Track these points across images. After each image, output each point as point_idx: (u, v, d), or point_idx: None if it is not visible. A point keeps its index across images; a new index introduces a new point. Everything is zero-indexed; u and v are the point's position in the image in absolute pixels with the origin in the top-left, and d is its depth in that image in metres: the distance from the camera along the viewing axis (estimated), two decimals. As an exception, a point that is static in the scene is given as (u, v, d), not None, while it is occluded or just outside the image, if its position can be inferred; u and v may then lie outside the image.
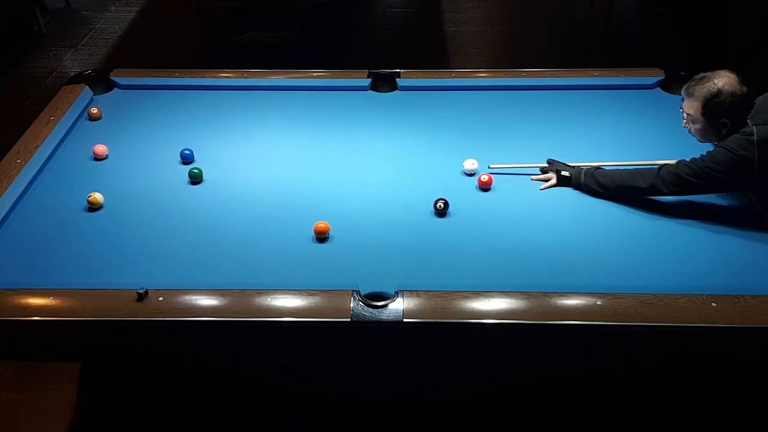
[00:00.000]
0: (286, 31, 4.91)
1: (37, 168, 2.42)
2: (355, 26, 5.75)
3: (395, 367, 2.05)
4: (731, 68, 2.21)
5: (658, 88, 2.95)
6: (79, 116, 2.76)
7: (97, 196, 2.28)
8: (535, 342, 1.92)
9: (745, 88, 2.15)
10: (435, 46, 5.35)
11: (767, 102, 2.17)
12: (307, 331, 1.88)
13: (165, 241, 2.15)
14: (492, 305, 1.87)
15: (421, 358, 2.00)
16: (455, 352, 1.98)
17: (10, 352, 2.13)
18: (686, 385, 2.48)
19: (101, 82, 2.97)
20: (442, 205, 2.25)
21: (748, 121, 2.15)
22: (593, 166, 2.38)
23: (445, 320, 1.84)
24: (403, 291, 1.89)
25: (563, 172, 2.38)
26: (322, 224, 2.15)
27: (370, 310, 1.84)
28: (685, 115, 2.27)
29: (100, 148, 2.55)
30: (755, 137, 2.09)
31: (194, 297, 1.89)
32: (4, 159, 2.44)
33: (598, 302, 1.87)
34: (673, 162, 2.25)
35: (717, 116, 2.17)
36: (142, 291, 1.85)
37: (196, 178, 2.42)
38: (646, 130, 2.69)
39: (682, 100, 2.28)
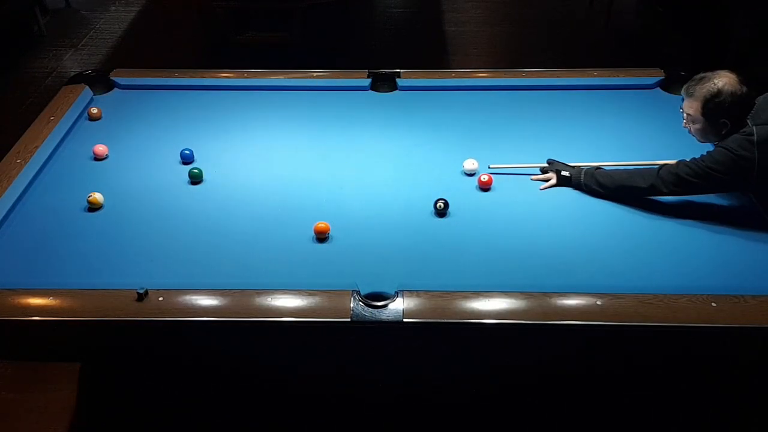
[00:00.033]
0: (286, 31, 4.91)
1: (37, 168, 2.42)
2: (355, 26, 5.75)
3: (395, 367, 2.05)
4: (731, 68, 2.21)
5: (658, 88, 2.95)
6: (79, 116, 2.76)
7: (97, 196, 2.28)
8: (535, 342, 1.92)
9: (745, 88, 2.15)
10: (435, 46, 5.35)
11: (767, 102, 2.17)
12: (307, 331, 1.88)
13: (165, 241, 2.15)
14: (492, 305, 1.87)
15: (421, 358, 2.00)
16: (455, 352, 1.98)
17: (10, 352, 2.13)
18: (686, 385, 2.48)
19: (101, 82, 2.97)
20: (442, 205, 2.25)
21: (748, 121, 2.15)
22: (593, 166, 2.38)
23: (445, 320, 1.84)
24: (403, 291, 1.89)
25: (563, 172, 2.38)
26: (322, 224, 2.15)
27: (370, 310, 1.84)
28: (685, 115, 2.27)
29: (100, 148, 2.55)
30: (755, 137, 2.09)
31: (194, 297, 1.89)
32: (4, 159, 2.44)
33: (598, 302, 1.87)
34: (673, 162, 2.25)
35: (717, 116, 2.17)
36: (142, 291, 1.85)
37: (196, 178, 2.42)
38: (646, 130, 2.69)
39: (682, 100, 2.28)
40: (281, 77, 3.05)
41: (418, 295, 1.88)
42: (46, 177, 2.43)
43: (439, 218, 2.26)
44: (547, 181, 2.41)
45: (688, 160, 2.21)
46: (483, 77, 3.14)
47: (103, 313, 1.84)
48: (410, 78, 3.01)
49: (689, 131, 2.30)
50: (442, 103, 2.89)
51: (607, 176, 2.32)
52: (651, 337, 1.86)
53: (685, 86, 2.26)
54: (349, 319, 1.83)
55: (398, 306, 1.85)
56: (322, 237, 2.15)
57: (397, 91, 2.98)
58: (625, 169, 2.34)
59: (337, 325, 1.84)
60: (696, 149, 2.27)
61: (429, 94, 2.96)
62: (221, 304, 1.88)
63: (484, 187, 2.38)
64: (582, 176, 2.35)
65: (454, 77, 3.16)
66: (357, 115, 2.82)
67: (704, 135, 2.25)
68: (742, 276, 2.00)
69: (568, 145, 2.59)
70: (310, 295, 1.89)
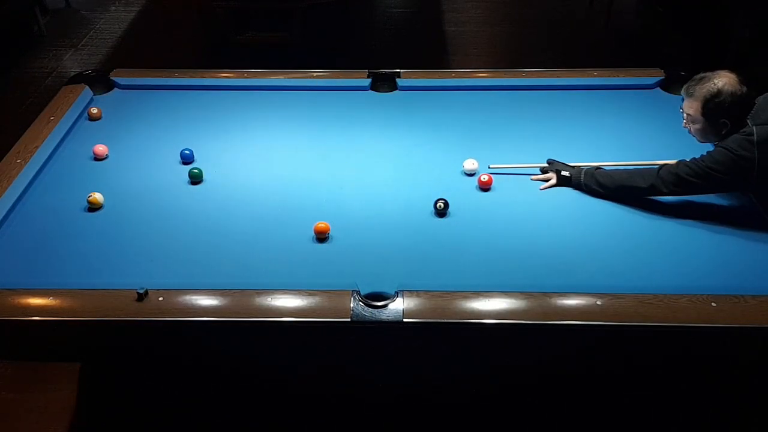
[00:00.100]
0: (286, 31, 4.91)
1: (37, 168, 2.42)
2: (355, 26, 5.75)
3: (395, 367, 2.05)
4: (731, 68, 2.21)
5: (658, 88, 2.95)
6: (79, 116, 2.76)
7: (97, 196, 2.28)
8: (535, 342, 1.92)
9: (745, 88, 2.15)
10: (435, 46, 5.35)
11: (767, 102, 2.17)
12: (307, 331, 1.88)
13: (165, 241, 2.15)
14: (492, 305, 1.87)
15: (421, 358, 2.00)
16: (455, 352, 1.98)
17: (10, 352, 2.13)
18: (686, 385, 2.48)
19: (101, 82, 2.97)
20: (442, 205, 2.25)
21: (748, 121, 2.15)
22: (593, 166, 2.38)
23: (445, 320, 1.84)
24: (403, 291, 1.89)
25: (563, 172, 2.38)
26: (322, 224, 2.15)
27: (370, 310, 1.84)
28: (685, 115, 2.27)
29: (100, 148, 2.55)
30: (755, 137, 2.09)
31: (194, 297, 1.89)
32: (4, 159, 2.44)
33: (598, 302, 1.87)
34: (673, 162, 2.25)
35: (717, 116, 2.17)
36: (142, 291, 1.85)
37: (196, 178, 2.42)
38: (646, 130, 2.69)
39: (682, 100, 2.28)
40: (281, 77, 3.05)
41: (418, 295, 1.88)
42: (46, 177, 2.43)
43: (439, 218, 2.26)
44: (547, 181, 2.41)
45: (688, 160, 2.21)
46: (483, 77, 3.14)
47: (103, 313, 1.84)
48: (410, 78, 3.01)
49: (689, 131, 2.30)
50: (442, 103, 2.89)
51: (607, 176, 2.32)
52: (651, 337, 1.86)
53: (685, 86, 2.26)
54: (349, 319, 1.83)
55: (398, 306, 1.85)
56: (322, 237, 2.15)
57: (397, 91, 2.98)
58: (625, 169, 2.34)
59: (337, 325, 1.84)
60: (696, 149, 2.27)
61: (429, 94, 2.96)
62: (221, 304, 1.88)
63: (484, 187, 2.38)
64: (582, 176, 2.35)
65: (454, 77, 3.16)
66: (357, 115, 2.82)
67: (704, 135, 2.25)
68: (742, 276, 2.00)
69: (568, 145, 2.59)
70: (310, 295, 1.89)
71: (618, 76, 3.00)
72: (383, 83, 2.99)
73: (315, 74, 3.06)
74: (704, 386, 2.47)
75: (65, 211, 2.27)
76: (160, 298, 1.87)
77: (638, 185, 2.26)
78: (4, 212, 2.20)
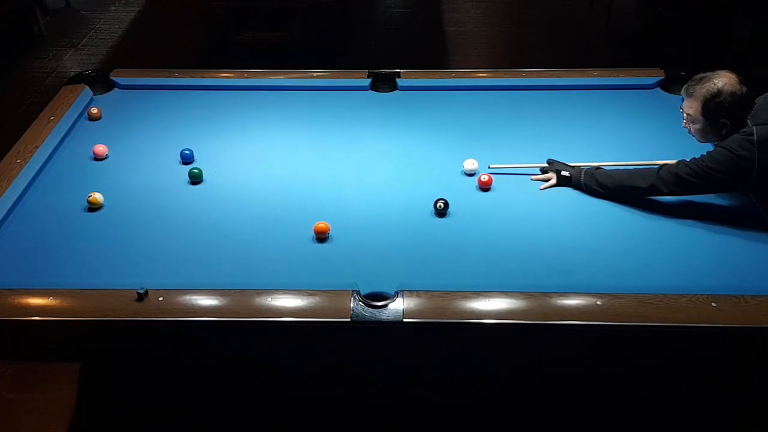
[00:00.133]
0: (286, 31, 4.91)
1: (37, 168, 2.42)
2: (355, 26, 5.75)
3: (395, 367, 2.05)
4: (731, 68, 2.21)
5: (658, 88, 2.95)
6: (79, 116, 2.76)
7: (97, 196, 2.28)
8: (535, 342, 1.92)
9: (745, 88, 2.15)
10: (435, 46, 5.35)
11: (767, 102, 2.17)
12: (307, 331, 1.88)
13: (165, 241, 2.15)
14: (492, 305, 1.87)
15: (421, 358, 1.99)
16: (455, 352, 1.98)
17: (10, 352, 2.13)
18: (686, 385, 2.48)
19: (101, 82, 2.97)
20: (442, 205, 2.25)
21: (748, 121, 2.15)
22: (593, 166, 2.38)
23: (445, 320, 1.84)
24: (403, 291, 1.89)
25: (563, 172, 2.38)
26: (322, 224, 2.15)
27: (370, 310, 1.84)
28: (685, 115, 2.27)
29: (100, 148, 2.55)
30: (755, 137, 2.09)
31: (194, 297, 1.89)
32: (4, 159, 2.44)
33: (598, 302, 1.87)
34: (673, 162, 2.25)
35: (717, 116, 2.17)
36: (142, 291, 1.85)
37: (196, 178, 2.42)
38: (646, 130, 2.68)
39: (682, 100, 2.28)
40: (281, 77, 3.05)
41: (418, 295, 1.88)
42: (46, 177, 2.43)
43: (439, 218, 2.26)
44: (547, 181, 2.41)
45: (688, 160, 2.21)
46: (483, 77, 3.14)
47: (103, 313, 1.84)
48: (410, 78, 3.01)
49: (689, 131, 2.30)
50: (442, 103, 2.89)
51: (607, 176, 2.32)
52: (651, 337, 1.86)
53: (685, 86, 2.26)
54: (349, 319, 1.83)
55: (398, 306, 1.85)
56: (322, 237, 2.15)
57: (397, 91, 2.98)
58: (625, 169, 2.34)
59: (337, 325, 1.84)
60: (696, 149, 2.27)
61: (429, 94, 2.96)
62: (221, 304, 1.88)
63: (484, 187, 2.38)
64: (582, 176, 2.35)
65: (454, 77, 3.16)
66: (357, 115, 2.82)
67: (704, 135, 2.25)
68: (742, 276, 2.00)
69: (568, 145, 2.59)
70: (310, 295, 1.89)
71: (618, 76, 3.00)
72: (383, 83, 2.99)
73: (315, 74, 3.06)
74: (704, 386, 2.47)
75: (65, 211, 2.27)
76: (160, 298, 1.87)
77: (638, 185, 2.26)
78: (4, 212, 2.20)
